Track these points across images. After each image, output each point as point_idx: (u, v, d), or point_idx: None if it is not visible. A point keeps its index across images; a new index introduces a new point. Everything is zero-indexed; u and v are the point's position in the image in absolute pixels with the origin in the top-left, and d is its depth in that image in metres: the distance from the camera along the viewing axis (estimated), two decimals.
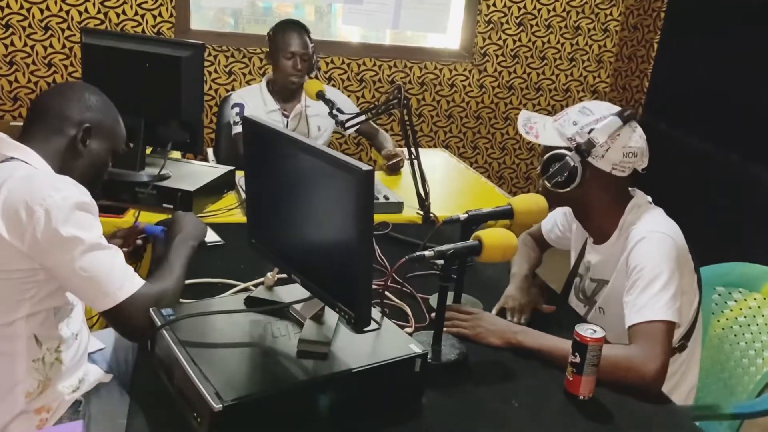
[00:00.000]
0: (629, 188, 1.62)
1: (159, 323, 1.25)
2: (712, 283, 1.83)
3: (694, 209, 3.36)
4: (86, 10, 3.50)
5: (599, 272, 1.67)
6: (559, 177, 1.54)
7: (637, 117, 1.56)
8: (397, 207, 2.31)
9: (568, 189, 1.55)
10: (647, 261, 1.48)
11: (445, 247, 1.37)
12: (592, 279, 1.70)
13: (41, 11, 3.45)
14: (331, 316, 1.29)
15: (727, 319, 1.82)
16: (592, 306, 1.71)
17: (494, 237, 1.40)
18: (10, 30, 3.45)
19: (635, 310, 1.45)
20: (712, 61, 3.62)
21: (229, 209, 2.15)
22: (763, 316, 1.74)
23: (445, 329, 1.45)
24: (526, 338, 1.48)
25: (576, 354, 1.30)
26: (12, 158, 1.34)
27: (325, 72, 3.89)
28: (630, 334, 1.45)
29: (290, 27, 2.82)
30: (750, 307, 1.78)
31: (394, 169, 2.80)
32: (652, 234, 1.51)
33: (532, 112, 1.69)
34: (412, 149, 2.24)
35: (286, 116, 2.93)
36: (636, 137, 1.55)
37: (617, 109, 1.56)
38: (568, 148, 1.54)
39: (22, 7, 3.42)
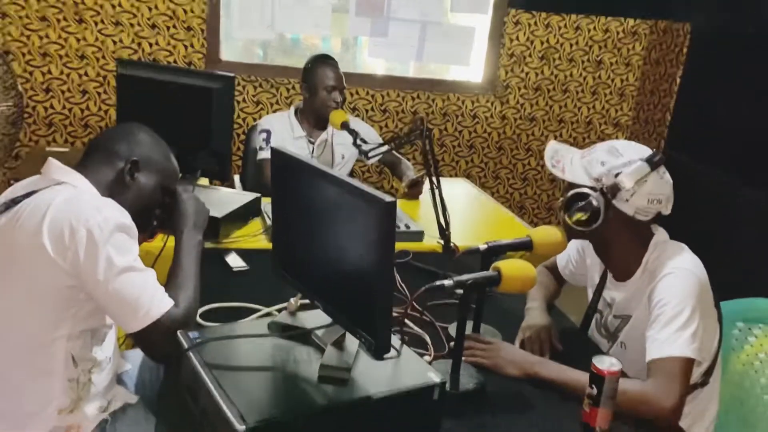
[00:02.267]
0: (651, 225, 1.64)
1: (185, 346, 1.29)
2: (732, 319, 1.82)
3: (714, 243, 3.34)
4: (121, 41, 3.62)
5: (623, 309, 1.67)
6: (581, 215, 1.56)
7: (664, 160, 1.55)
8: (418, 236, 2.35)
9: (589, 228, 1.57)
10: (671, 297, 1.49)
11: (464, 277, 1.40)
12: (615, 316, 1.70)
13: (78, 41, 3.58)
14: (352, 343, 1.32)
15: (747, 356, 1.81)
16: (615, 341, 1.71)
17: (513, 268, 1.43)
18: (48, 58, 3.57)
19: (656, 345, 1.46)
20: (734, 95, 3.63)
21: (254, 235, 2.20)
22: None
23: (463, 358, 1.47)
24: (543, 369, 1.49)
25: (593, 386, 1.31)
26: (62, 182, 1.41)
27: (350, 102, 3.97)
28: (649, 369, 1.46)
29: (328, 61, 2.96)
30: None
31: (413, 195, 2.84)
32: (677, 270, 1.52)
33: (559, 144, 1.68)
34: (434, 179, 2.28)
35: (312, 143, 3.01)
36: (663, 184, 1.55)
37: (647, 153, 1.55)
38: (593, 188, 1.56)
39: (59, 36, 3.56)
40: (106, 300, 1.34)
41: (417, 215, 2.63)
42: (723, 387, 1.72)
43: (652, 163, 1.52)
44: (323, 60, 2.97)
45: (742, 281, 2.32)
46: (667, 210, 1.59)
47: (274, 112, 3.79)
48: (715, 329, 1.60)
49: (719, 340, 1.63)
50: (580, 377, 1.40)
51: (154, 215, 1.58)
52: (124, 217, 1.36)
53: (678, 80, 4.09)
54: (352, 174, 3.33)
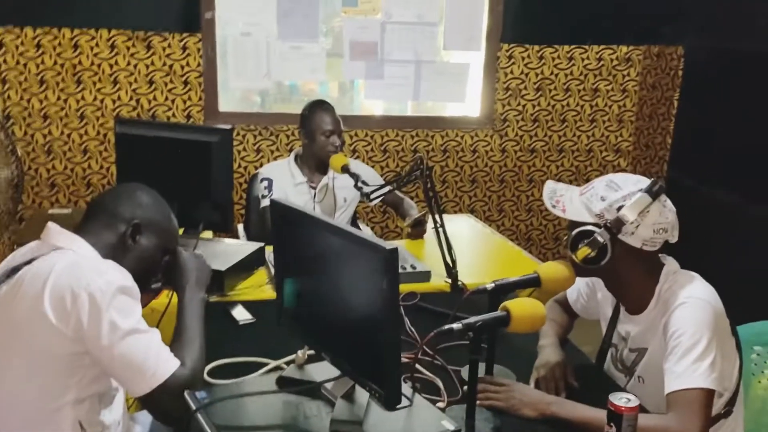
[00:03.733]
0: (660, 255, 1.61)
1: (193, 407, 1.27)
2: (750, 343, 1.78)
3: (726, 265, 3.30)
4: (119, 98, 3.67)
5: (638, 342, 1.64)
6: (588, 253, 1.54)
7: (665, 189, 1.53)
8: (425, 276, 2.33)
9: (598, 265, 1.54)
10: (686, 327, 1.46)
11: (472, 319, 1.37)
12: (631, 349, 1.67)
13: (77, 101, 3.63)
14: (362, 394, 1.30)
15: None
16: (632, 376, 1.67)
17: (522, 307, 1.40)
18: (48, 120, 3.62)
19: (673, 378, 1.43)
20: (733, 113, 3.63)
21: (260, 286, 2.18)
22: None
23: (478, 402, 1.44)
24: (560, 409, 1.46)
25: (611, 424, 1.28)
26: (62, 247, 1.40)
27: (350, 144, 3.99)
28: (668, 402, 1.42)
29: (324, 107, 3.00)
30: None
31: (417, 235, 2.82)
32: (690, 299, 1.49)
33: (557, 183, 1.67)
34: (437, 217, 2.27)
35: (314, 188, 3.02)
36: (666, 212, 1.53)
37: (645, 183, 1.53)
38: (597, 225, 1.54)
39: (59, 98, 3.60)
40: (112, 364, 1.33)
41: (423, 254, 2.61)
42: (746, 414, 1.68)
43: (653, 193, 1.50)
44: (319, 106, 3.00)
45: (757, 303, 2.28)
46: (674, 238, 1.57)
47: (275, 159, 3.80)
48: (735, 357, 1.57)
49: (740, 367, 1.59)
50: (598, 415, 1.36)
51: (155, 275, 1.57)
52: (125, 279, 1.35)
53: (675, 103, 4.10)
54: (355, 216, 3.33)
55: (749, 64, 3.54)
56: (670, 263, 1.61)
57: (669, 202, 1.55)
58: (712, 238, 3.41)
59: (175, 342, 1.44)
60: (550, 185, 1.66)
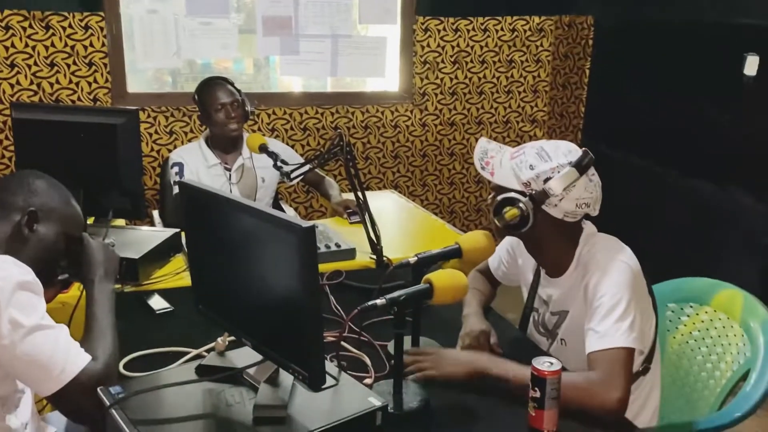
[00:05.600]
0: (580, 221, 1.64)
1: (108, 403, 1.20)
2: (664, 300, 1.85)
3: (641, 226, 3.44)
4: (18, 83, 3.44)
5: (560, 305, 1.67)
6: (510, 220, 1.54)
7: (594, 161, 1.53)
8: (350, 254, 2.30)
9: (518, 231, 1.56)
10: (607, 289, 1.49)
11: (396, 293, 1.36)
12: (553, 312, 1.70)
13: None
14: (286, 377, 1.26)
15: (682, 335, 1.85)
16: (554, 339, 1.71)
17: (444, 278, 1.40)
18: None
19: (596, 338, 1.46)
20: (642, 81, 3.76)
21: (177, 273, 2.10)
22: (715, 328, 1.77)
23: (411, 376, 1.44)
24: (490, 364, 1.47)
25: (536, 389, 1.29)
26: None
27: (268, 124, 3.90)
28: (590, 361, 1.45)
29: (212, 82, 2.92)
30: (702, 321, 1.81)
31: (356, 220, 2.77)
32: (610, 262, 1.52)
33: (489, 143, 1.64)
34: (359, 194, 2.24)
35: (228, 170, 2.93)
36: (591, 187, 1.54)
37: (576, 155, 1.53)
38: (522, 193, 1.54)
39: None
40: (16, 364, 1.24)
41: (348, 232, 2.57)
42: (662, 370, 1.74)
43: (581, 167, 1.51)
44: (206, 83, 2.93)
45: (669, 262, 2.38)
46: (594, 211, 1.59)
47: (189, 140, 3.68)
48: (652, 315, 1.62)
49: (656, 325, 1.64)
50: (528, 372, 1.35)
51: (60, 266, 1.48)
52: (24, 273, 1.26)
53: (587, 72, 4.21)
54: (278, 196, 3.26)
55: (656, 32, 3.66)
56: (588, 227, 1.64)
57: (596, 177, 1.56)
58: (626, 201, 3.53)
59: (85, 336, 1.37)
60: (482, 144, 1.64)
